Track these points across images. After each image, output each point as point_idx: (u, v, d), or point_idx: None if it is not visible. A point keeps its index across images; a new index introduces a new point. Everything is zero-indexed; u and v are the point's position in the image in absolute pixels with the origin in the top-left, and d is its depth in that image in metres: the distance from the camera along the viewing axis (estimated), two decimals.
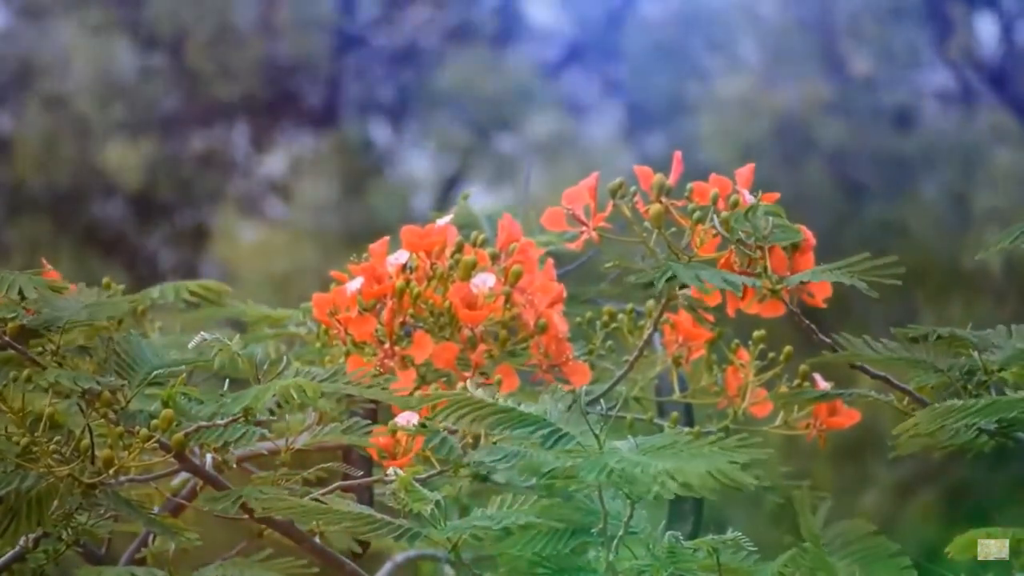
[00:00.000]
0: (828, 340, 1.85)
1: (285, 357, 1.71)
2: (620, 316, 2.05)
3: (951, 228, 7.83)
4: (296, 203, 8.52)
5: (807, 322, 1.82)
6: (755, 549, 1.62)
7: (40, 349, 1.71)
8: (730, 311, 1.88)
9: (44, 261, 1.83)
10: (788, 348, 2.01)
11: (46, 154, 8.13)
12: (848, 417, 2.02)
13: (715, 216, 1.81)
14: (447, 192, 8.14)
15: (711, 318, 1.98)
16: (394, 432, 1.70)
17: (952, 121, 8.28)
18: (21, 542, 1.68)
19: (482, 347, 1.84)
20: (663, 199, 1.82)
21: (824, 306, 1.84)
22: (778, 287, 1.80)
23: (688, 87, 8.40)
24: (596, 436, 1.46)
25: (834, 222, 7.64)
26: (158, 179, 8.26)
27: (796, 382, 2.02)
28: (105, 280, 2.03)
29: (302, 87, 8.60)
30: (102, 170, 8.12)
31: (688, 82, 8.41)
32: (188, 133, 8.46)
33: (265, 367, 1.64)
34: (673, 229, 1.83)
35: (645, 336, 1.96)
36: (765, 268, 1.81)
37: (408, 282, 1.83)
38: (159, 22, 8.33)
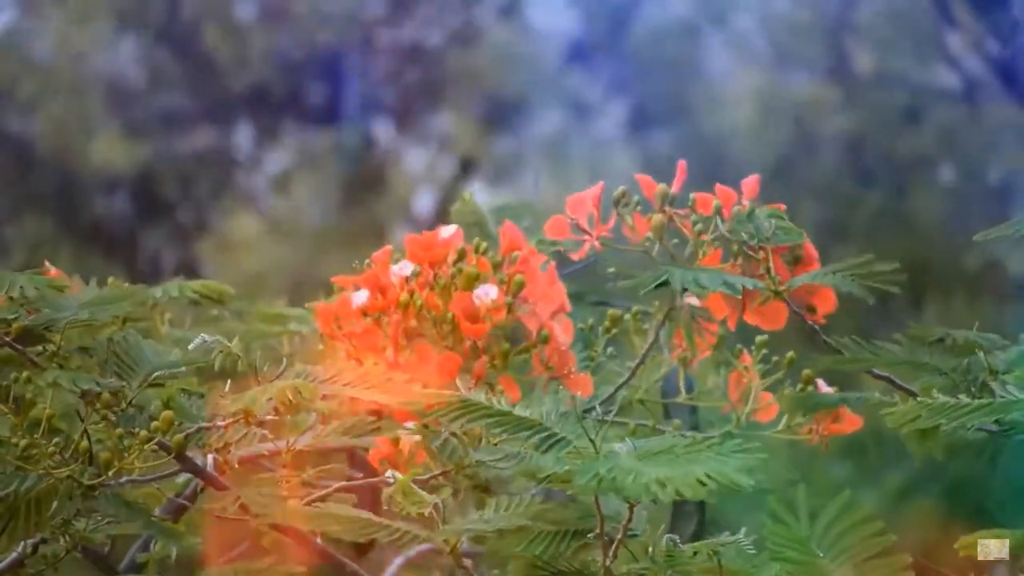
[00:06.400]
0: (831, 342, 1.84)
1: (285, 359, 1.70)
2: (626, 317, 2.04)
3: (958, 224, 7.82)
4: (298, 200, 8.53)
5: (811, 323, 1.82)
6: (755, 552, 1.61)
7: (41, 349, 1.71)
8: (731, 324, 1.88)
9: (47, 262, 1.83)
10: (790, 354, 2.00)
11: (47, 150, 8.13)
12: (850, 423, 2.01)
13: (719, 226, 1.81)
14: (449, 191, 8.14)
15: (715, 327, 1.97)
16: (396, 442, 1.70)
17: (961, 117, 8.28)
18: (19, 548, 1.69)
19: (484, 359, 1.82)
20: (666, 208, 1.82)
21: (825, 323, 1.84)
22: (781, 289, 1.80)
23: (694, 84, 8.40)
24: (592, 441, 1.46)
25: (843, 220, 7.64)
26: (160, 176, 8.26)
27: (799, 387, 2.01)
28: (110, 280, 2.03)
29: (306, 85, 8.61)
30: (104, 167, 8.13)
31: (694, 79, 8.41)
32: (191, 130, 8.46)
33: (266, 368, 1.64)
34: (675, 241, 1.83)
35: (649, 342, 1.96)
36: (768, 269, 1.81)
37: (412, 294, 1.81)
38: (162, 16, 8.34)
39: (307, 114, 8.64)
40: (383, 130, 8.73)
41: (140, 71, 8.34)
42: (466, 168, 8.33)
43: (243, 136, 8.69)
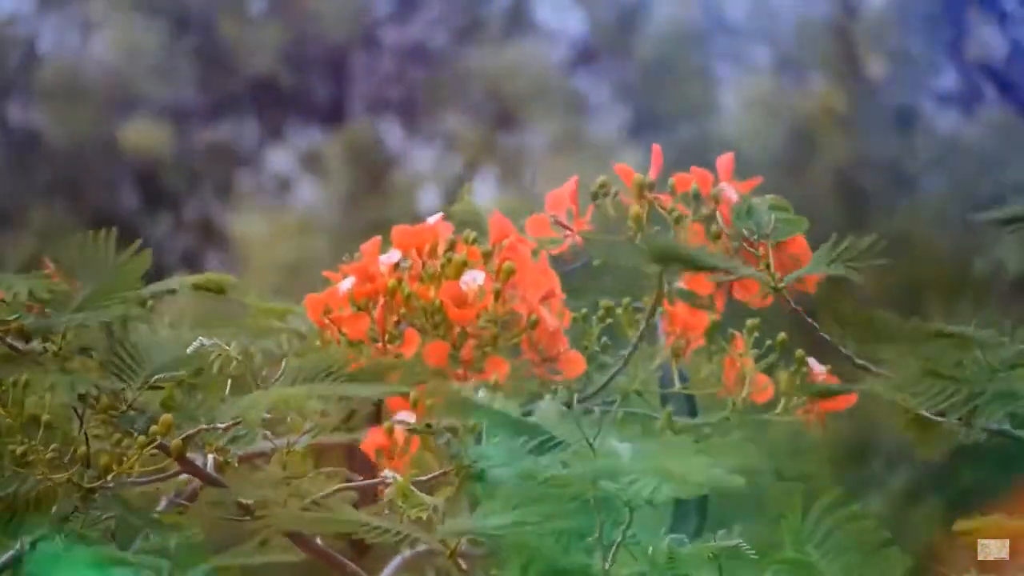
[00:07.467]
0: (829, 337, 1.84)
1: (284, 361, 1.70)
2: (618, 311, 2.04)
3: (960, 232, 7.82)
4: (304, 198, 8.53)
5: (810, 320, 1.82)
6: (756, 555, 1.61)
7: (43, 349, 1.71)
8: (719, 305, 1.88)
9: (46, 262, 1.82)
10: (782, 335, 1.99)
11: (56, 140, 8.14)
12: (844, 399, 2.00)
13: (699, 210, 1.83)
14: (455, 191, 8.12)
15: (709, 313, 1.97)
16: (391, 431, 1.70)
17: (964, 125, 8.28)
18: (18, 545, 1.69)
19: (471, 343, 1.82)
20: (646, 195, 1.84)
21: (813, 291, 1.84)
22: (780, 285, 1.80)
23: (699, 89, 8.40)
24: (590, 444, 1.45)
25: (848, 224, 7.64)
26: (166, 170, 8.27)
27: (793, 368, 2.00)
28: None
29: (311, 83, 8.61)
30: (110, 158, 8.14)
31: (699, 84, 8.41)
32: (198, 125, 8.47)
33: (264, 372, 1.65)
34: (657, 228, 1.84)
35: (640, 330, 1.96)
36: (768, 265, 1.81)
37: (400, 280, 1.81)
38: (169, 10, 8.35)
39: (313, 112, 8.65)
40: (389, 129, 8.74)
41: (150, 64, 8.35)
42: (471, 168, 8.33)
43: (249, 132, 8.70)
